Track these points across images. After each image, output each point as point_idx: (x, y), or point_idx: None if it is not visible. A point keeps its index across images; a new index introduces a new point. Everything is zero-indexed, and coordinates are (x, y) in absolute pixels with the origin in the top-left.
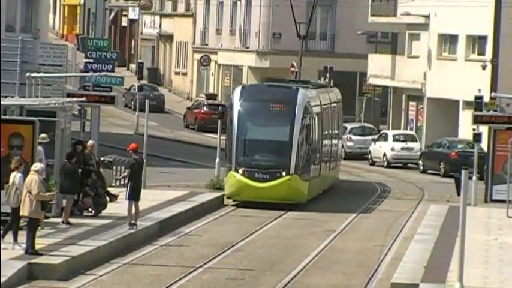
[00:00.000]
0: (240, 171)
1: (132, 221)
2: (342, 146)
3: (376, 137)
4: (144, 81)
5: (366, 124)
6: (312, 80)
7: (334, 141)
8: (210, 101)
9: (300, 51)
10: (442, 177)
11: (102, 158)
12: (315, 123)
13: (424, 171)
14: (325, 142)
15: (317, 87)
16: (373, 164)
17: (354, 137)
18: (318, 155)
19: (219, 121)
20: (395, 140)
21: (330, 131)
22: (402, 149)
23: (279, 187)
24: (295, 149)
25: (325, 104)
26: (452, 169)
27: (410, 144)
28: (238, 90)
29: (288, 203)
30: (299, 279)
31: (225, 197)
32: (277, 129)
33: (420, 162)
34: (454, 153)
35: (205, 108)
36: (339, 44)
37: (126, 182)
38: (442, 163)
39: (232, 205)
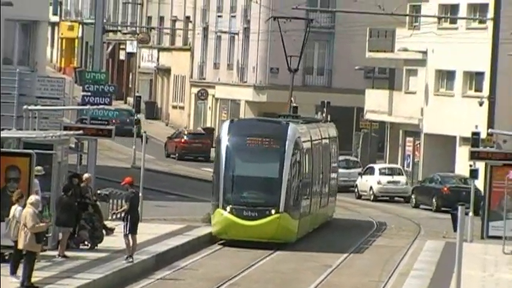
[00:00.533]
0: (228, 208)
1: (129, 254)
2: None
3: (362, 170)
4: (127, 106)
5: (349, 157)
6: (309, 115)
7: (328, 178)
8: (191, 130)
9: (291, 85)
10: (434, 212)
11: (98, 191)
12: (305, 159)
13: (416, 206)
14: (317, 179)
15: (308, 122)
16: (359, 197)
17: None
18: (308, 192)
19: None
20: (381, 173)
21: (323, 167)
22: (388, 182)
23: (267, 225)
24: (284, 186)
25: (316, 139)
26: (444, 204)
27: (396, 178)
28: (226, 124)
29: (276, 242)
30: None
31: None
32: (267, 166)
33: (412, 196)
34: (446, 189)
35: (185, 138)
36: (336, 79)
37: (123, 215)
38: (434, 198)
39: (219, 243)
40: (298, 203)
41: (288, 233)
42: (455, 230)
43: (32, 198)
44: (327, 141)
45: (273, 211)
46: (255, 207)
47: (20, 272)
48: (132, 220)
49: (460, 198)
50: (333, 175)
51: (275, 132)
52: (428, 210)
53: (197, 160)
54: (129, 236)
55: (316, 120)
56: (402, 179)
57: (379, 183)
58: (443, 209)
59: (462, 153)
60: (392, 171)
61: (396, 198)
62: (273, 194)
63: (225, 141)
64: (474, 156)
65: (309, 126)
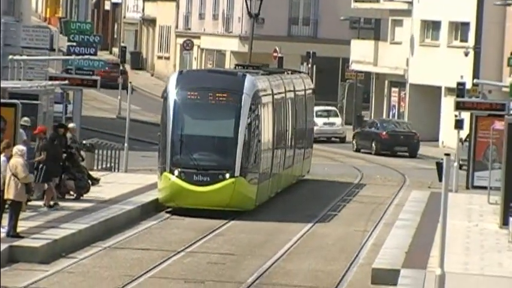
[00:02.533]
0: (176, 172)
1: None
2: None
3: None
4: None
5: (329, 107)
6: (294, 66)
7: (297, 134)
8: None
9: (251, 32)
10: (374, 155)
11: (84, 142)
12: (266, 116)
13: (357, 150)
14: (281, 137)
15: (271, 73)
16: None
17: None
18: (270, 153)
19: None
20: (318, 115)
21: (289, 124)
22: (324, 124)
23: (221, 192)
24: (240, 147)
25: (280, 92)
26: (383, 148)
27: (332, 120)
28: (174, 76)
29: (232, 210)
30: (280, 264)
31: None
32: (220, 124)
33: (354, 141)
34: (384, 133)
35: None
36: (321, 30)
37: (37, 165)
38: (373, 142)
39: (167, 211)
40: (257, 166)
41: (245, 200)
42: (440, 180)
43: (21, 147)
44: (297, 94)
45: (227, 175)
46: (206, 171)
47: (4, 222)
48: (48, 169)
49: (397, 142)
50: (306, 130)
51: (230, 85)
52: (368, 154)
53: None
54: (46, 185)
55: (280, 71)
56: (337, 120)
57: (315, 124)
58: (382, 152)
59: (447, 103)
60: (328, 113)
61: (333, 139)
62: (227, 156)
63: (172, 96)
64: (459, 106)
65: (271, 78)
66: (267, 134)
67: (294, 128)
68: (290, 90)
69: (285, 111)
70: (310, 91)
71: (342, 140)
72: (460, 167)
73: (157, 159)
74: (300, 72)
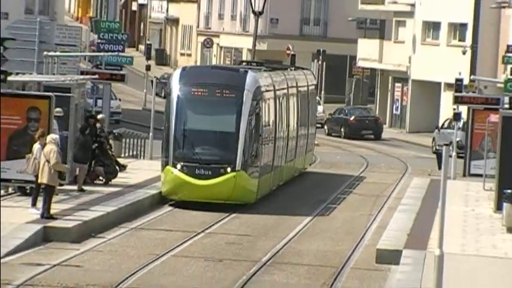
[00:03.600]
0: (178, 166)
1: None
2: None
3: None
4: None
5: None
6: (305, 63)
7: (299, 128)
8: None
9: (254, 30)
10: (343, 138)
11: (114, 131)
12: (268, 111)
13: (328, 134)
14: (283, 131)
15: (273, 70)
16: None
17: None
18: (271, 147)
19: None
20: None
21: (291, 118)
22: None
23: (222, 185)
24: (242, 141)
25: (282, 88)
26: (351, 132)
27: None
28: (177, 72)
29: (233, 203)
30: (292, 245)
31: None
32: (222, 119)
33: (325, 127)
34: (352, 119)
35: None
36: (331, 29)
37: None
38: (342, 127)
39: (170, 204)
40: (258, 160)
41: (246, 193)
42: (439, 168)
43: (54, 136)
44: (299, 89)
45: (228, 169)
46: (208, 165)
47: (39, 204)
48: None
49: (363, 126)
50: (308, 124)
51: (232, 81)
52: (338, 137)
53: None
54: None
55: (283, 68)
56: (319, 108)
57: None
58: (350, 136)
59: (446, 97)
60: None
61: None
62: (228, 151)
63: (175, 91)
64: (457, 100)
65: (274, 75)
66: (268, 128)
67: (296, 122)
68: (292, 86)
69: (287, 106)
70: (313, 87)
71: (322, 125)
72: (436, 151)
73: (161, 153)
74: (303, 68)
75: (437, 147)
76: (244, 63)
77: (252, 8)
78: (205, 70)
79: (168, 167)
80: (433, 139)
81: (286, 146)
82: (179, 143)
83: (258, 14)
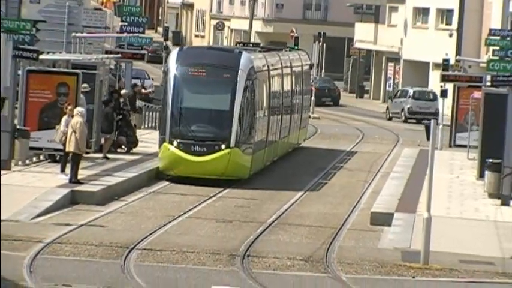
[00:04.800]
0: (175, 143)
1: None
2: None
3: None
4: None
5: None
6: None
7: (294, 107)
8: None
9: (250, 14)
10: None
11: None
12: (261, 90)
13: None
14: (277, 109)
15: (268, 51)
16: None
17: None
18: (265, 125)
19: None
20: None
21: (286, 97)
22: None
23: (217, 161)
24: (236, 119)
25: (276, 68)
26: (315, 101)
27: None
28: (174, 52)
29: (227, 179)
30: (295, 208)
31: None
32: (217, 98)
33: None
34: (314, 88)
35: None
36: (331, 14)
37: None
38: None
39: (167, 179)
40: (252, 137)
41: (240, 169)
42: (428, 139)
43: (81, 109)
44: (294, 69)
45: (223, 146)
46: (203, 142)
47: (67, 170)
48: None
49: (323, 94)
50: (302, 102)
51: (226, 62)
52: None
53: None
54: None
55: (278, 49)
56: None
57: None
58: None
59: (434, 76)
60: None
61: None
62: (223, 128)
63: (172, 71)
64: (444, 78)
65: (268, 55)
66: (262, 107)
67: (289, 100)
68: (286, 66)
69: (281, 85)
70: (307, 67)
71: None
72: (390, 118)
73: (158, 130)
74: (298, 49)
75: (390, 115)
76: (240, 45)
77: None
78: (202, 51)
79: (165, 143)
80: (387, 108)
81: (280, 123)
82: (176, 120)
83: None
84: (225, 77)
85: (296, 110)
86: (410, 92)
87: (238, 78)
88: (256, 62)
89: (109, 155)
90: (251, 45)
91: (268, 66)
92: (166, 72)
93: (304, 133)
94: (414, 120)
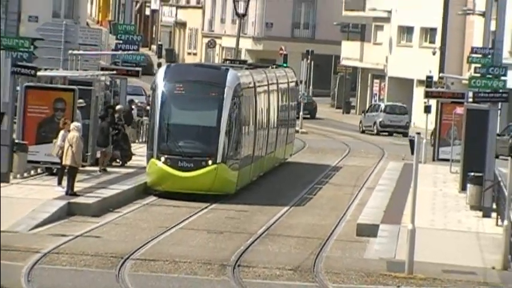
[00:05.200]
0: (162, 158)
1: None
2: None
3: None
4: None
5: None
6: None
7: (280, 123)
8: None
9: (238, 31)
10: None
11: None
12: (248, 107)
13: None
14: (263, 125)
15: (255, 68)
16: None
17: None
18: (251, 141)
19: None
20: None
21: (272, 113)
22: None
23: (204, 177)
24: (222, 136)
25: (262, 85)
26: None
27: None
28: (162, 69)
29: (214, 194)
30: (284, 219)
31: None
32: (204, 114)
33: None
34: None
35: None
36: (318, 32)
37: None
38: None
39: (155, 195)
40: (238, 153)
41: (226, 184)
42: (412, 153)
43: (77, 124)
44: (280, 86)
45: (209, 162)
46: (190, 158)
47: (64, 183)
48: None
49: (303, 107)
50: (289, 117)
51: (213, 79)
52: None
53: None
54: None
55: (265, 66)
56: None
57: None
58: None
59: (418, 92)
60: None
61: None
62: (210, 144)
63: (160, 87)
64: (428, 95)
65: (254, 72)
66: (248, 123)
67: (276, 116)
68: (273, 83)
69: (267, 101)
70: (293, 83)
71: None
72: (363, 131)
73: (146, 145)
74: (285, 66)
75: (363, 128)
76: (227, 62)
77: (235, 10)
78: (189, 68)
79: (152, 159)
80: (360, 121)
81: (267, 139)
82: (163, 136)
83: (241, 16)
84: (211, 94)
85: (282, 126)
86: (382, 106)
87: (224, 95)
88: (242, 79)
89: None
90: (238, 62)
91: (254, 83)
92: (154, 89)
93: (290, 148)
94: (386, 133)
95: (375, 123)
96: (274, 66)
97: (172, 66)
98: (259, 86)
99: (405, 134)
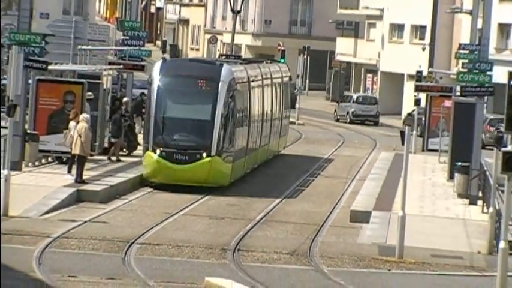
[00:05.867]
0: (158, 151)
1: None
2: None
3: None
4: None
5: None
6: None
7: (274, 116)
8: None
9: (233, 26)
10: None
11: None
12: (242, 101)
13: None
14: (257, 119)
15: (249, 63)
16: None
17: None
18: (245, 134)
19: None
20: None
21: (266, 107)
22: None
23: (198, 169)
24: (217, 129)
25: (256, 80)
26: None
27: None
28: (158, 64)
29: (208, 186)
30: (281, 206)
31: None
32: (199, 108)
33: None
34: None
35: None
36: (314, 29)
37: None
38: None
39: (150, 186)
40: (232, 146)
41: (220, 177)
42: (403, 144)
43: (86, 115)
44: (274, 80)
45: (204, 154)
46: (185, 151)
47: (73, 171)
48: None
49: None
50: (282, 111)
51: (208, 73)
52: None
53: None
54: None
55: (259, 61)
56: None
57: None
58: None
59: (409, 86)
60: None
61: None
62: (204, 137)
63: (156, 82)
64: (418, 88)
65: (249, 67)
66: (242, 116)
67: (269, 110)
68: (267, 78)
69: (261, 96)
70: (287, 78)
71: None
72: (338, 120)
73: (143, 139)
74: (278, 61)
75: (338, 117)
76: (223, 57)
77: (231, 6)
78: (184, 63)
79: (148, 152)
80: (335, 110)
81: (260, 132)
82: (159, 130)
83: (236, 12)
84: (206, 88)
85: (276, 119)
86: (354, 97)
87: (219, 89)
88: (237, 73)
89: (113, 158)
90: (233, 57)
91: (248, 78)
92: (150, 83)
93: (284, 141)
94: (358, 122)
95: (347, 112)
96: (269, 61)
97: (168, 61)
98: (253, 81)
99: (376, 123)
